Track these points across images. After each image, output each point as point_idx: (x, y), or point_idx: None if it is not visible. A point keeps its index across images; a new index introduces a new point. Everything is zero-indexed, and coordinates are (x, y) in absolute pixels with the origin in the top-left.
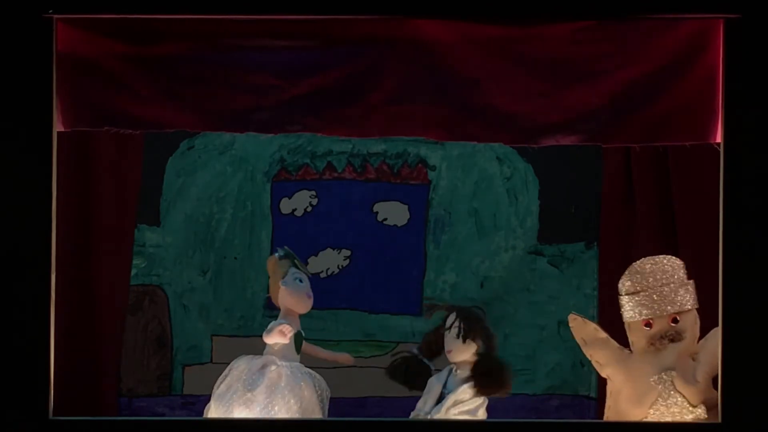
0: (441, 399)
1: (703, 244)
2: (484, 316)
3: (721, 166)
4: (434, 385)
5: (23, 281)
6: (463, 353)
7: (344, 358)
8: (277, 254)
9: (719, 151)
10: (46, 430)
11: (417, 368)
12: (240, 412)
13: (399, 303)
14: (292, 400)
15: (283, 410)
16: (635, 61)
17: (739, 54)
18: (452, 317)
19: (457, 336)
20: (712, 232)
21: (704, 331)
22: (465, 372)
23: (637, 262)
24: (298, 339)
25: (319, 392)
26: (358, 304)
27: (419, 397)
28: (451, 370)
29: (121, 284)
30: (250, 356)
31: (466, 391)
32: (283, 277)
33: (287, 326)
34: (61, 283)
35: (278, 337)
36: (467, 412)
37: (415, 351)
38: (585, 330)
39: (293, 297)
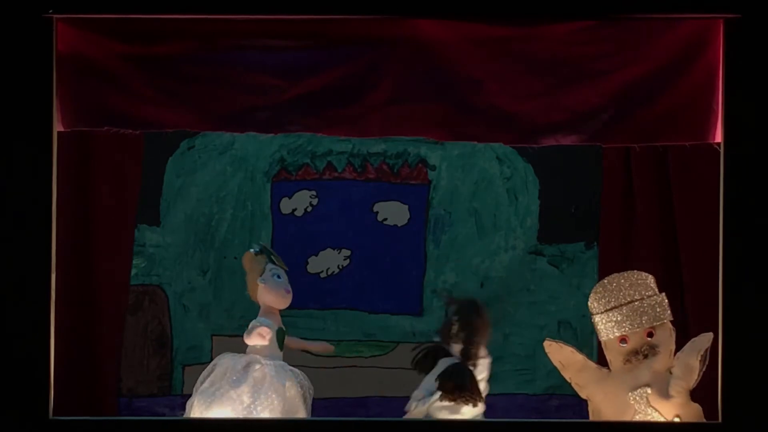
0: None
1: (703, 244)
2: (477, 314)
3: (721, 166)
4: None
5: (23, 281)
6: (456, 348)
7: (323, 347)
8: (252, 250)
9: (719, 151)
10: (46, 430)
11: (443, 357)
12: (222, 410)
13: (399, 303)
14: (275, 400)
15: (266, 410)
16: (635, 61)
17: (739, 54)
18: (452, 311)
19: (449, 333)
20: (712, 232)
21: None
22: None
23: (605, 279)
24: (280, 335)
25: (303, 390)
26: (358, 304)
27: None
28: None
29: (121, 284)
30: (234, 354)
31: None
32: (261, 274)
33: (266, 329)
34: (61, 283)
35: (258, 339)
36: (445, 407)
37: (438, 340)
38: (561, 354)
39: (272, 294)
